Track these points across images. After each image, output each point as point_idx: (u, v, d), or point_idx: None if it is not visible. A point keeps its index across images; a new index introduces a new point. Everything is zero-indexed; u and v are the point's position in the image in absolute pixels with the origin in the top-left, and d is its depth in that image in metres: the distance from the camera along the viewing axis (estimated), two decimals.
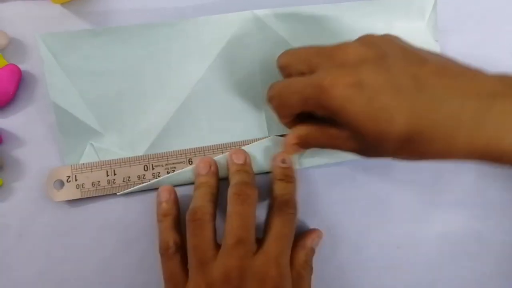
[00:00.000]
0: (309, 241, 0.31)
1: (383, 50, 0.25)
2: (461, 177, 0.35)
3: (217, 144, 0.33)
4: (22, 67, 0.32)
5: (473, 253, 0.34)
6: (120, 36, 0.32)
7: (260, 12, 0.33)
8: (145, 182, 0.32)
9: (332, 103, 0.24)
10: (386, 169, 0.34)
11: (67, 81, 0.31)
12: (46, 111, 0.32)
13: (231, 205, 0.29)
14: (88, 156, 0.32)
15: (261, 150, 0.33)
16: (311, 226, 0.33)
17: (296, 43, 0.33)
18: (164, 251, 0.29)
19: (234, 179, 0.30)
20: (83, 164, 0.31)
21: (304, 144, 0.29)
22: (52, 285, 0.31)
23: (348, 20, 0.34)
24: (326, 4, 0.33)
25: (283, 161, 0.31)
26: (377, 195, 0.34)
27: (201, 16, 0.32)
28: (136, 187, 0.32)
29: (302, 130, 0.28)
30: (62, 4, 0.33)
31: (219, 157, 0.32)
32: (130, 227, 0.32)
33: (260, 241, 0.29)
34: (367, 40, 0.26)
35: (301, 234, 0.32)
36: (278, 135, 0.33)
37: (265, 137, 0.33)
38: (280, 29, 0.33)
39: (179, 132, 0.33)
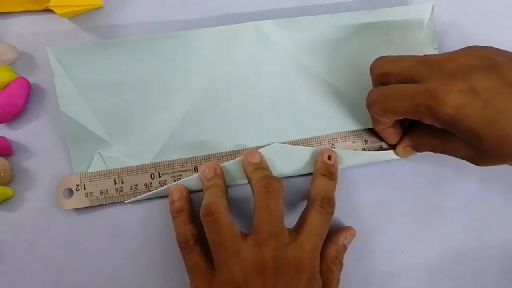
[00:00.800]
0: (341, 238, 0.32)
1: (491, 58, 0.25)
2: (464, 182, 0.35)
3: (222, 152, 0.33)
4: (32, 80, 0.33)
5: (475, 257, 0.34)
6: (127, 48, 0.32)
7: (262, 24, 0.33)
8: (152, 190, 0.32)
9: (447, 111, 0.25)
10: (389, 173, 0.35)
11: (76, 92, 0.32)
12: (55, 123, 0.33)
13: (260, 199, 0.29)
14: (97, 165, 0.32)
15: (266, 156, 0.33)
16: None
17: (298, 53, 0.34)
18: (183, 244, 0.30)
19: (255, 176, 0.30)
20: (92, 173, 0.32)
21: (417, 147, 0.31)
22: None
23: (348, 30, 0.34)
24: (327, 14, 0.34)
25: (329, 158, 0.32)
26: (380, 199, 0.35)
27: (206, 28, 0.33)
28: (143, 195, 0.32)
29: (415, 134, 0.30)
30: (70, 18, 0.34)
31: (226, 164, 0.32)
32: (138, 234, 0.33)
33: (294, 233, 0.29)
34: (473, 50, 0.27)
35: (335, 230, 0.32)
36: (280, 144, 0.33)
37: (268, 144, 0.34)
38: (282, 40, 0.34)
39: (185, 141, 0.33)
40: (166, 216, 0.32)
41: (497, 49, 0.27)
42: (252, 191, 0.30)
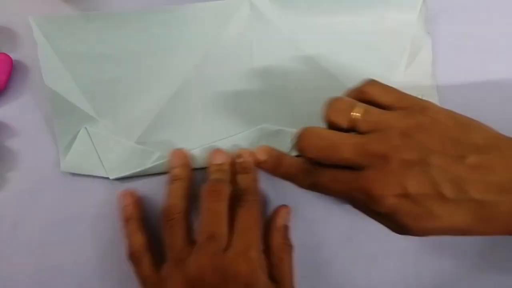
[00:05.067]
0: (279, 220, 0.32)
1: (426, 147, 0.25)
2: None
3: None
4: (14, 56, 0.32)
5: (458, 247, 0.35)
6: (115, 21, 0.32)
7: (256, 0, 0.33)
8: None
9: (381, 210, 0.25)
10: None
11: (61, 65, 0.31)
12: (38, 101, 0.32)
13: (204, 202, 0.29)
14: (81, 140, 0.32)
15: (250, 140, 0.33)
16: (305, 214, 0.34)
17: (291, 32, 0.33)
18: (131, 255, 0.30)
19: (209, 178, 0.31)
20: None
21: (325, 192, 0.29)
22: (48, 276, 0.31)
23: (342, 11, 0.34)
24: None
25: (239, 156, 0.32)
26: None
27: (198, 3, 0.32)
28: (130, 172, 0.32)
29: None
30: None
31: (197, 150, 0.32)
32: None
33: (230, 236, 0.29)
34: (410, 141, 0.25)
35: (270, 215, 0.32)
36: (269, 126, 0.33)
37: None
38: (275, 18, 0.33)
39: (173, 120, 0.33)
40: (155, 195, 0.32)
41: (437, 121, 0.26)
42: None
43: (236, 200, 0.30)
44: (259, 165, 0.31)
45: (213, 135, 0.33)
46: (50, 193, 0.32)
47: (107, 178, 0.32)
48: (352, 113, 0.26)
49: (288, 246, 0.32)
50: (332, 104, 0.27)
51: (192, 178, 0.32)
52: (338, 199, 0.29)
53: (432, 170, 0.25)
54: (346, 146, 0.26)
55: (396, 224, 0.26)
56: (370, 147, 0.25)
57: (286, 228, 0.32)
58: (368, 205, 0.26)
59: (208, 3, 0.32)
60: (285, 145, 0.33)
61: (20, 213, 0.31)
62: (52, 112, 0.31)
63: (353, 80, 0.33)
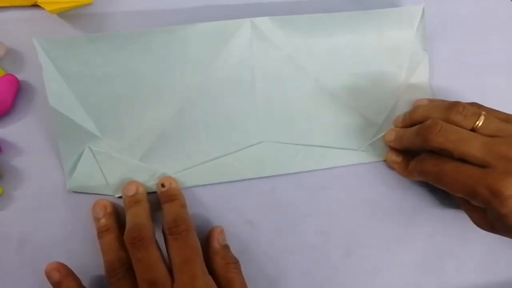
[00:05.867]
0: (215, 243, 0.31)
1: None
2: None
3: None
4: (20, 77, 0.32)
5: (458, 252, 0.36)
6: (118, 42, 0.32)
7: (258, 21, 0.33)
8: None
9: (504, 211, 0.26)
10: (376, 172, 0.36)
11: (65, 86, 0.32)
12: (44, 120, 0.32)
13: (132, 254, 0.28)
14: (86, 160, 0.32)
15: (252, 156, 0.34)
16: (306, 228, 0.34)
17: (291, 52, 0.34)
18: (111, 275, 0.28)
19: (128, 219, 0.30)
20: None
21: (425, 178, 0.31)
22: None
23: (341, 29, 0.35)
24: (321, 13, 0.34)
25: (162, 185, 0.32)
26: (367, 198, 0.35)
27: (200, 23, 0.33)
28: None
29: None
30: (59, 13, 0.33)
31: (200, 167, 0.33)
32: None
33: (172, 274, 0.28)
34: None
35: (206, 240, 0.32)
36: (270, 142, 0.34)
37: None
38: (277, 39, 0.34)
39: (176, 137, 0.33)
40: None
41: None
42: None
43: (167, 232, 0.29)
44: (389, 143, 0.33)
45: (215, 152, 0.34)
46: (55, 212, 0.32)
47: (113, 196, 0.32)
48: (476, 120, 0.28)
49: (233, 264, 0.30)
50: (456, 107, 0.29)
51: (117, 225, 0.31)
52: (449, 189, 0.29)
53: None
54: (476, 143, 0.27)
55: (506, 225, 0.27)
56: (500, 148, 0.27)
57: (224, 248, 0.31)
58: (490, 202, 0.26)
59: (209, 24, 0.33)
60: (285, 159, 0.34)
61: (26, 231, 0.32)
62: (56, 132, 0.32)
63: (354, 97, 0.34)
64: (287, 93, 0.34)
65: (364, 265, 0.34)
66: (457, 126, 0.29)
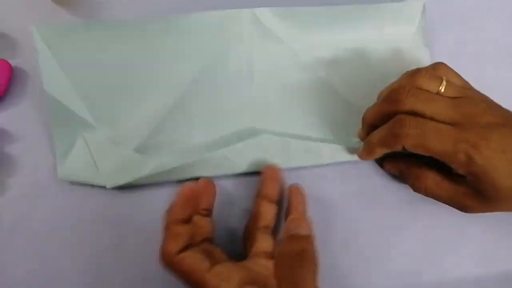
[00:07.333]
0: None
1: (506, 114, 0.29)
2: None
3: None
4: (13, 62, 0.32)
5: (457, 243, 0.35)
6: (115, 29, 0.31)
7: (257, 11, 0.33)
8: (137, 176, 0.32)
9: (481, 162, 0.27)
10: (376, 164, 0.35)
11: (61, 72, 0.31)
12: (38, 107, 0.32)
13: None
14: (79, 148, 0.32)
15: (249, 150, 0.33)
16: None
17: (291, 44, 0.33)
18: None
19: None
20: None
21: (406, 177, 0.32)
22: (45, 282, 0.31)
23: (341, 24, 0.34)
24: (322, 6, 0.33)
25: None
26: (366, 190, 0.35)
27: (198, 12, 0.32)
28: (128, 181, 0.31)
29: (429, 175, 0.31)
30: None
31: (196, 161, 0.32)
32: (123, 223, 0.32)
33: None
34: (495, 110, 0.29)
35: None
36: (269, 135, 0.33)
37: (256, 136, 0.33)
38: (276, 29, 0.33)
39: (172, 129, 0.33)
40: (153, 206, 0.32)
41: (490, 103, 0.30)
42: None
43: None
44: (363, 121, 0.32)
45: (212, 145, 0.33)
46: (48, 200, 0.32)
47: (104, 186, 0.32)
48: (439, 84, 0.29)
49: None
50: (419, 71, 0.30)
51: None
52: (431, 150, 0.28)
53: None
54: (443, 103, 0.28)
55: (485, 184, 0.28)
56: (465, 106, 0.28)
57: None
58: (471, 157, 0.27)
59: (209, 13, 0.32)
60: (285, 154, 0.33)
61: (18, 219, 0.32)
62: (50, 118, 0.31)
63: (354, 92, 0.33)
64: (285, 86, 0.34)
65: (363, 255, 0.34)
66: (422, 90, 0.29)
